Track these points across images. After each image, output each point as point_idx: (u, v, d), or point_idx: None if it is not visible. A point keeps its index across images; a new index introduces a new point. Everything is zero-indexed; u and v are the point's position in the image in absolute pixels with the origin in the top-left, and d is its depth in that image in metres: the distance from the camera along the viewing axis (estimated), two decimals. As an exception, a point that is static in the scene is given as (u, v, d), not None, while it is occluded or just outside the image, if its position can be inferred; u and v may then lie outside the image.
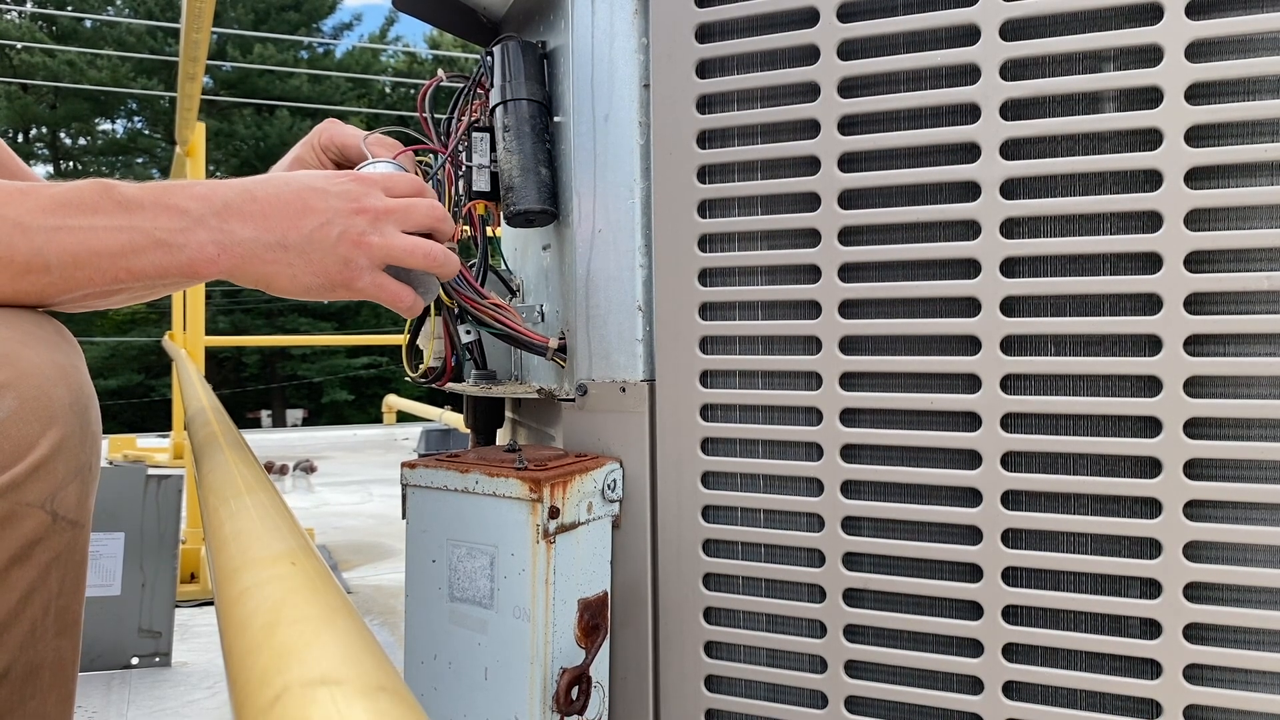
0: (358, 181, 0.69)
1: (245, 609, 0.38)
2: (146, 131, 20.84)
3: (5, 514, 0.48)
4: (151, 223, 0.58)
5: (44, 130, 20.69)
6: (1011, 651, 0.69)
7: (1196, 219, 0.63)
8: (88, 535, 0.55)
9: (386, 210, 0.68)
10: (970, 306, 0.69)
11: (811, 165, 0.74)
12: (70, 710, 0.56)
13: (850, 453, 0.73)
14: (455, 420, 5.37)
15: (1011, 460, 0.68)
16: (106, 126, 20.98)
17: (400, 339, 0.94)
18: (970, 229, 0.68)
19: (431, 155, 0.89)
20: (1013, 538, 0.68)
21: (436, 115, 0.91)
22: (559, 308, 0.89)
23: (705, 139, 0.78)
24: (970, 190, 0.69)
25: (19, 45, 18.78)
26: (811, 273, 0.74)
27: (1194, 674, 0.64)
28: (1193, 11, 0.62)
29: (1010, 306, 0.68)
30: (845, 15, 0.72)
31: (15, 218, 0.54)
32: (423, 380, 0.92)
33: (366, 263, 0.67)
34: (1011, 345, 0.68)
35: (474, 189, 0.87)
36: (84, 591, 0.55)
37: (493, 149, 0.87)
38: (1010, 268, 0.68)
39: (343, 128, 0.86)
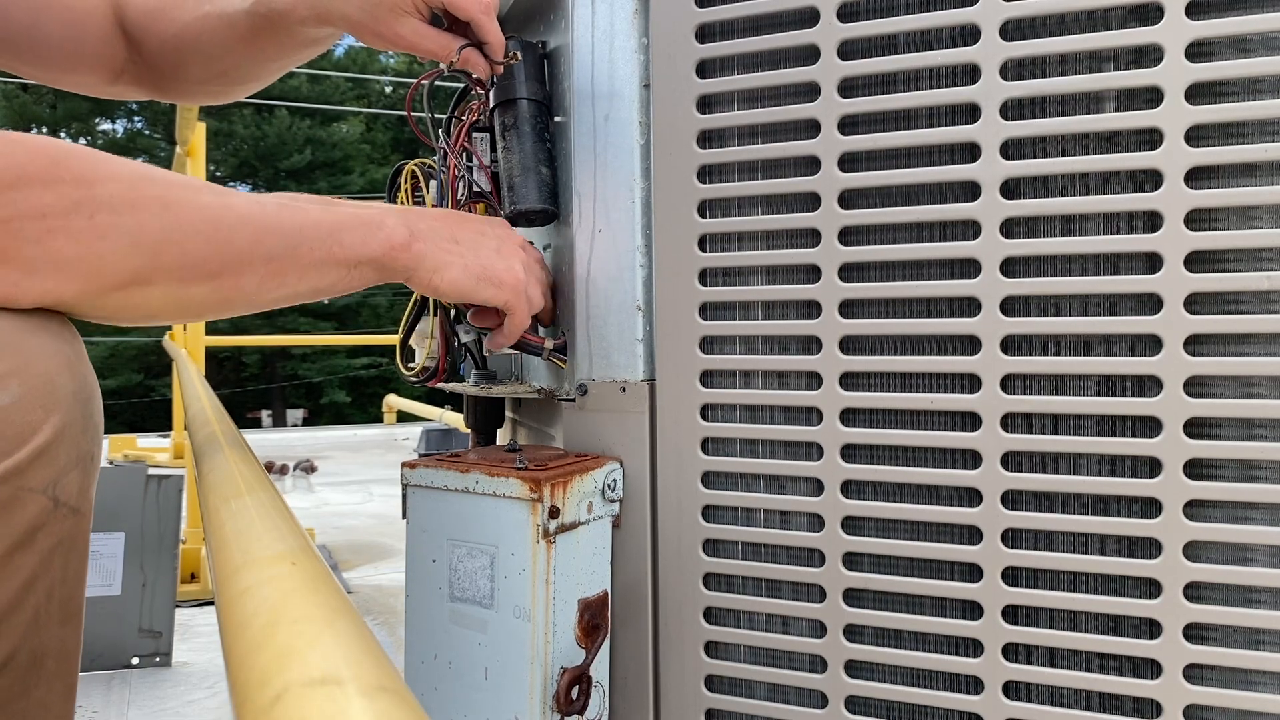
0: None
1: (245, 609, 0.38)
2: (146, 131, 20.84)
3: (7, 498, 0.48)
4: (352, 209, 0.69)
5: (44, 130, 20.67)
6: (1011, 651, 0.69)
7: (1196, 219, 0.63)
8: (89, 525, 0.55)
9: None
10: (970, 306, 0.69)
11: (811, 165, 0.74)
12: (73, 703, 0.56)
13: (850, 453, 0.73)
14: (455, 420, 5.36)
15: (1011, 460, 0.68)
16: (106, 126, 21.00)
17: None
18: (970, 229, 0.68)
19: (437, 156, 0.89)
20: (1013, 538, 0.68)
21: (437, 115, 0.91)
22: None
23: (705, 139, 0.78)
24: (970, 190, 0.69)
25: (19, 45, 18.74)
26: (811, 272, 0.74)
27: (1194, 674, 0.64)
28: (1193, 11, 0.62)
29: (1010, 306, 0.68)
30: (845, 15, 0.72)
31: (246, 196, 0.62)
32: (415, 380, 0.92)
33: (521, 265, 0.78)
34: (1011, 345, 0.68)
35: (474, 189, 0.87)
36: (85, 582, 0.55)
37: (493, 149, 0.87)
38: (1010, 268, 0.68)
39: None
